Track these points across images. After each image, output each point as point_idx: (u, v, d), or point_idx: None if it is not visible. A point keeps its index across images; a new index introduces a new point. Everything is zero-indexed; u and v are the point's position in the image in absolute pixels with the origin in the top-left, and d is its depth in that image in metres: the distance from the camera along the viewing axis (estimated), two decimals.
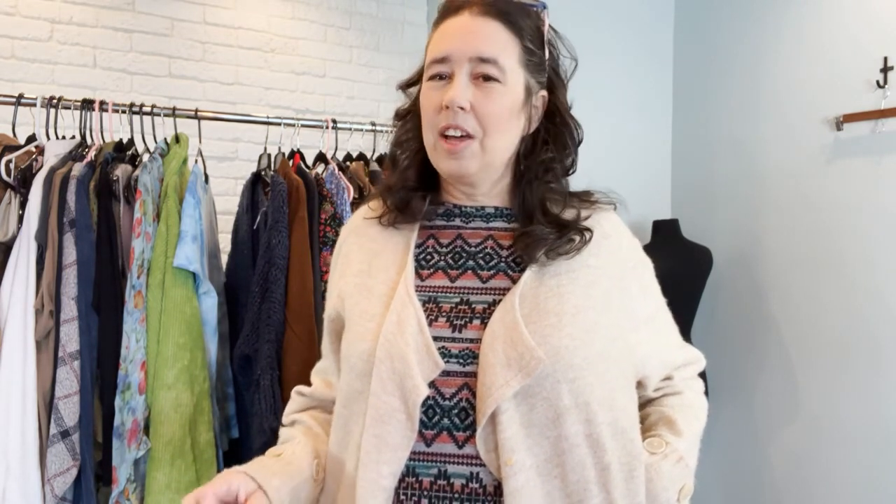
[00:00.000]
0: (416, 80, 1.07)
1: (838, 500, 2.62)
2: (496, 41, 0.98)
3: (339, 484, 0.99)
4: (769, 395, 2.86)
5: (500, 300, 0.96)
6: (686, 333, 2.92)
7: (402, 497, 0.92)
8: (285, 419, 1.15)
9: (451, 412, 0.92)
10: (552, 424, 0.91)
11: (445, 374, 0.93)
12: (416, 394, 0.91)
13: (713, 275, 2.94)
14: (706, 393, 1.20)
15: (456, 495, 0.91)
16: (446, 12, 1.02)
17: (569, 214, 1.02)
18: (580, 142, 1.06)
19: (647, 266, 1.11)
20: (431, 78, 0.99)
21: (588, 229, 1.00)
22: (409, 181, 1.04)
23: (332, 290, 1.09)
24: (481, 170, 1.00)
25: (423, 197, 1.05)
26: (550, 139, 1.04)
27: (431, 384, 0.93)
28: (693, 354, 1.16)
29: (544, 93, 1.03)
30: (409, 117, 1.07)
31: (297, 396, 1.17)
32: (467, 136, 0.96)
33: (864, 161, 2.55)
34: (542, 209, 1.01)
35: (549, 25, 1.04)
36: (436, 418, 0.93)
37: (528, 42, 1.00)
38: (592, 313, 0.96)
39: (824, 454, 2.67)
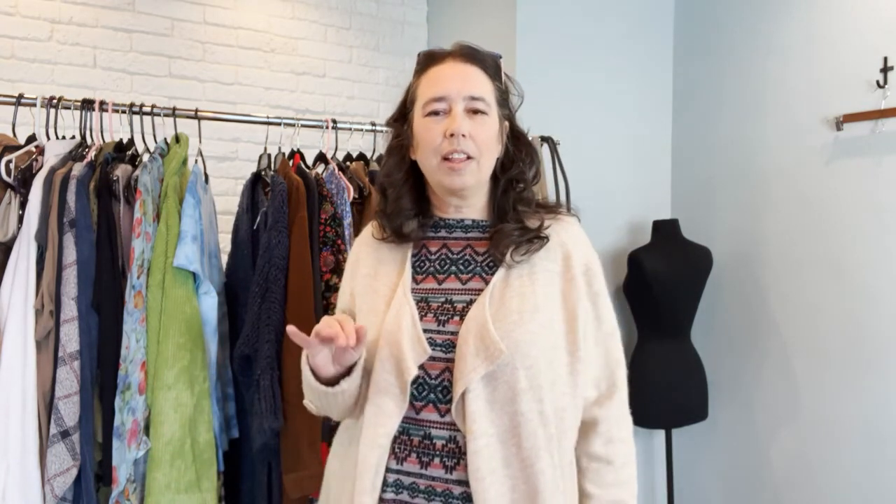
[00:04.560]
0: (399, 117, 1.28)
1: (838, 500, 2.62)
2: (481, 82, 1.23)
3: (348, 442, 1.25)
4: (769, 395, 2.86)
5: (475, 299, 1.20)
6: (686, 333, 2.93)
7: (397, 450, 1.18)
8: None
9: (435, 389, 1.18)
10: (511, 402, 1.15)
11: (432, 359, 1.18)
12: (407, 373, 1.16)
13: (713, 275, 2.94)
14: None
15: (437, 452, 1.17)
16: (430, 61, 1.25)
17: (533, 223, 1.24)
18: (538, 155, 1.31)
19: (597, 275, 1.27)
20: (429, 114, 1.21)
21: (546, 237, 1.23)
22: (404, 210, 1.26)
23: (345, 289, 1.35)
24: (476, 184, 1.23)
25: (417, 220, 1.27)
26: (519, 157, 1.27)
27: (421, 367, 1.17)
28: (621, 380, 1.28)
29: (506, 122, 1.27)
30: (395, 151, 1.28)
31: None
32: (469, 158, 1.19)
33: (864, 161, 2.55)
34: (513, 211, 1.24)
35: (504, 71, 1.28)
36: (424, 393, 1.18)
37: (497, 82, 1.25)
38: (548, 311, 1.19)
39: (824, 453, 2.67)
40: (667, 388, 2.80)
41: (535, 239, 1.22)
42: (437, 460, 1.16)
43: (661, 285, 2.78)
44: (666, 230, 2.90)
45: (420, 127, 1.22)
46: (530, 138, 1.32)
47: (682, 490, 3.14)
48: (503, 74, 1.28)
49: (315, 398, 1.23)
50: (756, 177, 2.90)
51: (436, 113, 1.20)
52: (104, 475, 1.75)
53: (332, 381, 1.18)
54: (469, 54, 1.24)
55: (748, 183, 2.93)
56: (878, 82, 2.49)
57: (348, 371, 1.18)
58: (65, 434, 1.66)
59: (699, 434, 3.10)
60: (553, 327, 1.19)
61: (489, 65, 1.25)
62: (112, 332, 1.75)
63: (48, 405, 1.68)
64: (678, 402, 2.86)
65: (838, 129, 2.60)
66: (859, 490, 2.56)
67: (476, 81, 1.22)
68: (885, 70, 2.47)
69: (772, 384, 2.85)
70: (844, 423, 2.61)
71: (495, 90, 1.24)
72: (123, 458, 1.71)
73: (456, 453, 1.15)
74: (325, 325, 1.11)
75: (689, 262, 2.88)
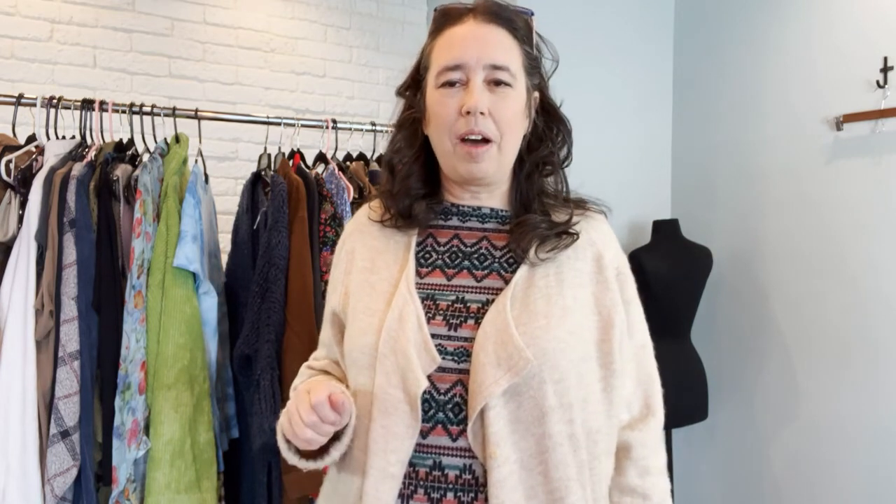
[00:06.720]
0: (411, 84, 1.10)
1: (838, 500, 2.62)
2: (506, 48, 1.02)
3: (339, 470, 1.05)
4: (769, 395, 2.86)
5: (493, 300, 1.01)
6: (686, 333, 2.93)
7: (401, 485, 0.97)
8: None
9: (445, 406, 0.97)
10: (537, 422, 0.96)
11: (441, 370, 0.97)
12: (416, 386, 0.95)
13: (713, 275, 2.94)
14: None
15: (450, 485, 0.96)
16: (447, 20, 1.05)
17: (560, 216, 1.06)
18: (571, 132, 1.11)
19: (629, 278, 1.11)
20: (443, 85, 1.02)
21: (575, 233, 1.05)
22: (413, 189, 1.08)
23: (336, 286, 1.12)
24: (497, 171, 1.05)
25: (426, 203, 1.08)
26: (548, 134, 1.09)
27: (428, 379, 0.96)
28: (656, 401, 1.13)
29: (536, 93, 1.08)
30: (407, 124, 1.10)
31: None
32: (487, 141, 1.00)
33: (864, 161, 2.55)
34: (538, 200, 1.07)
35: (535, 31, 1.08)
36: (431, 412, 0.97)
37: (527, 47, 1.05)
38: (578, 316, 1.01)
39: (824, 454, 2.67)
40: (667, 388, 2.79)
41: (564, 234, 1.04)
42: (450, 495, 0.96)
43: (661, 285, 2.77)
44: (666, 230, 2.89)
45: (432, 100, 1.03)
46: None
47: (682, 490, 3.14)
48: (535, 35, 1.07)
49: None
50: (756, 177, 2.90)
51: (451, 84, 1.01)
52: (104, 475, 1.75)
53: (313, 453, 1.01)
54: (494, 12, 1.03)
55: (748, 183, 2.93)
56: (878, 82, 2.49)
57: (335, 437, 1.00)
58: (65, 434, 1.66)
59: (699, 434, 3.09)
60: (583, 335, 1.00)
61: (518, 25, 1.04)
62: (112, 332, 1.75)
63: (48, 405, 1.68)
64: (678, 402, 2.85)
65: (838, 129, 2.60)
66: (860, 490, 2.56)
67: (500, 47, 1.02)
68: (885, 70, 2.47)
69: (772, 384, 2.85)
70: (845, 423, 2.61)
71: (523, 56, 1.04)
72: (123, 458, 1.71)
73: (473, 486, 0.95)
74: (305, 412, 0.93)
75: (689, 262, 2.88)
